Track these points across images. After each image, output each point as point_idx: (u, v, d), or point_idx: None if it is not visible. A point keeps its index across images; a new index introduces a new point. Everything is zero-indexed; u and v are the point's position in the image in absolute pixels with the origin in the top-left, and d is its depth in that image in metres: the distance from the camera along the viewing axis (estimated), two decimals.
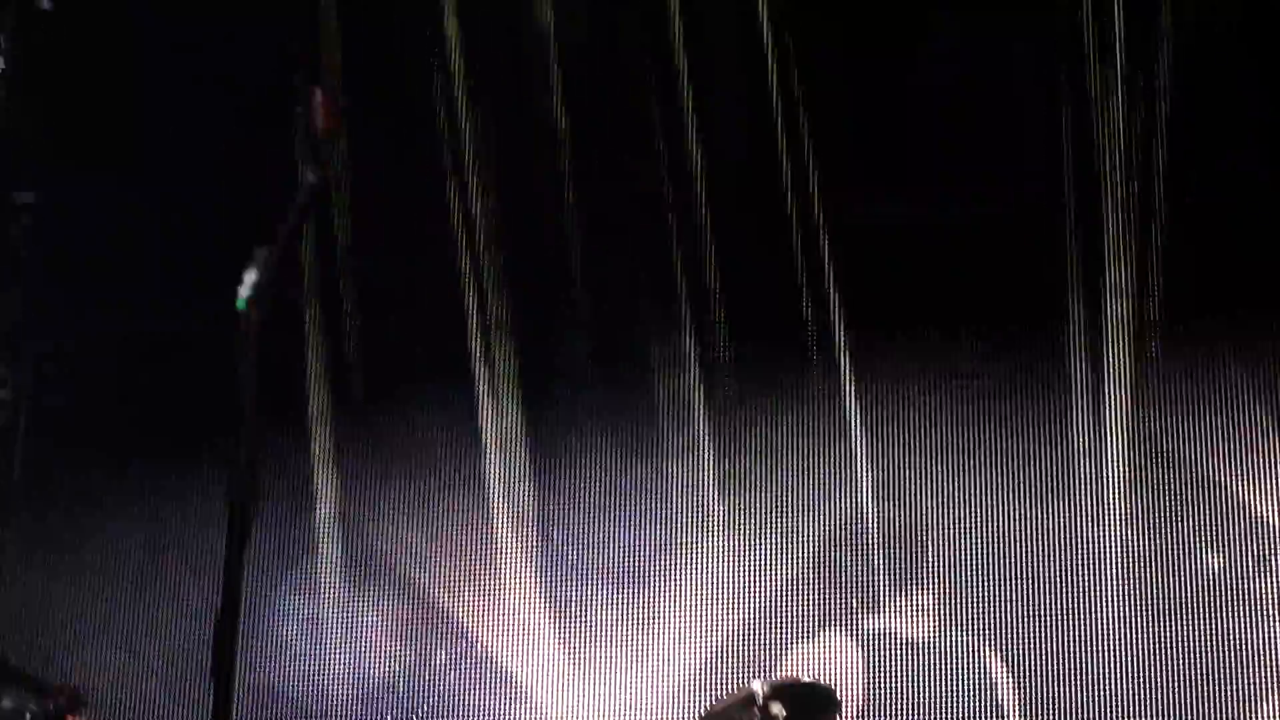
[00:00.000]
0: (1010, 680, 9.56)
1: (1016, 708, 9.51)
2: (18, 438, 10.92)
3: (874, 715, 9.57)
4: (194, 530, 10.61)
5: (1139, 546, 9.59)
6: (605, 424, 10.54)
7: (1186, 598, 9.44)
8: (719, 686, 9.58)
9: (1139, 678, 9.38)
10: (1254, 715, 9.16)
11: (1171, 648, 9.36)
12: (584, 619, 10.23)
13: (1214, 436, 9.66)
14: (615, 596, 10.23)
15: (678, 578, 10.17)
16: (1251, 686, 9.22)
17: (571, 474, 10.53)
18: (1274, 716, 9.12)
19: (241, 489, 4.49)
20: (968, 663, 9.62)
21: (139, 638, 10.62)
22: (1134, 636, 9.45)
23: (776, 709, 7.29)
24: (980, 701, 9.52)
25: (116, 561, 10.86)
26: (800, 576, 10.02)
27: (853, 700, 9.21)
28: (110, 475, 10.80)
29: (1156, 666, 9.37)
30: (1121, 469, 9.77)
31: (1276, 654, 9.25)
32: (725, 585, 10.09)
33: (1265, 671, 9.22)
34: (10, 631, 10.73)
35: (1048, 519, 9.81)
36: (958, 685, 9.54)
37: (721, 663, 9.89)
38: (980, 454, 9.96)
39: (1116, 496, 9.71)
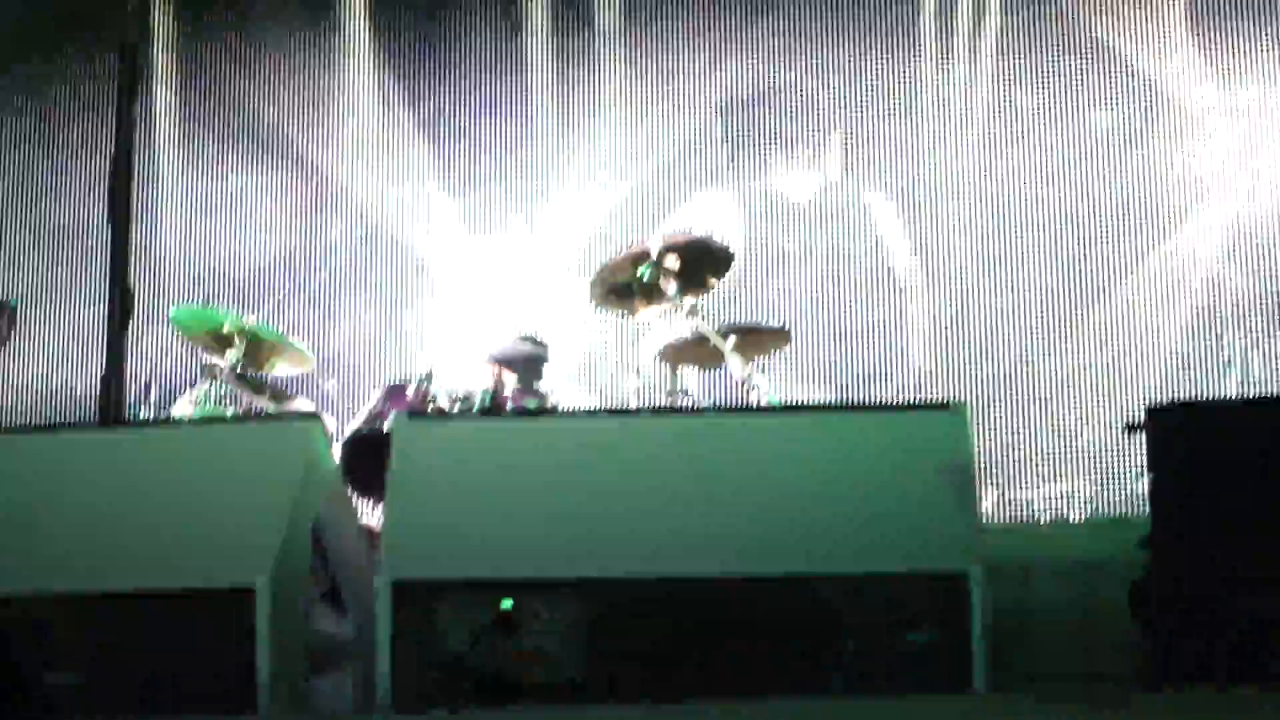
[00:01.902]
0: (902, 237, 9.73)
1: (911, 267, 9.70)
2: None
3: (763, 269, 9.77)
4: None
5: (1039, 101, 9.65)
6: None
7: (1088, 148, 9.55)
8: (612, 246, 9.70)
9: (1047, 213, 9.53)
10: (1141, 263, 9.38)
11: (1077, 194, 9.50)
12: (479, 189, 10.28)
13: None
14: (508, 162, 10.27)
15: (570, 146, 10.22)
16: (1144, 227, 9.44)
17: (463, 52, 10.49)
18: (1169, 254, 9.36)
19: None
20: (857, 220, 9.77)
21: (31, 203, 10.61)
22: (1039, 183, 9.58)
23: (670, 261, 7.44)
24: (870, 259, 9.69)
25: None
26: (688, 140, 10.08)
27: (743, 255, 9.39)
28: None
29: (1063, 207, 9.52)
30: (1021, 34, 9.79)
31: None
32: (617, 151, 10.15)
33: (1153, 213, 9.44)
34: None
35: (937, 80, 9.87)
36: (847, 242, 9.70)
37: (613, 224, 9.99)
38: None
39: (1011, 59, 9.75)
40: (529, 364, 8.11)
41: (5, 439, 4.31)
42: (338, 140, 10.44)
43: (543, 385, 7.94)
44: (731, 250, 7.82)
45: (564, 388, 9.15)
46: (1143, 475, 8.22)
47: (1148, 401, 8.89)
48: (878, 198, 9.78)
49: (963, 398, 9.09)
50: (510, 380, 7.72)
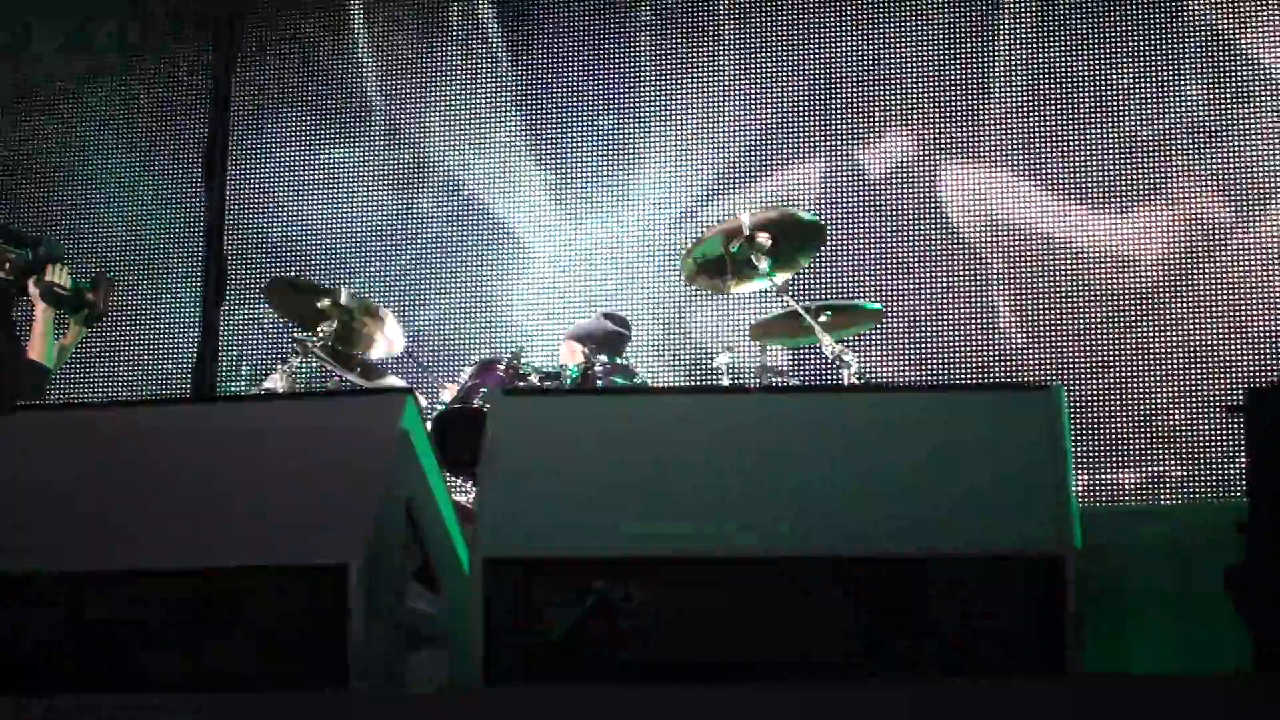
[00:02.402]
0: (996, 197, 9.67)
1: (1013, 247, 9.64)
2: None
3: (855, 247, 9.74)
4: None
5: (1145, 59, 9.55)
6: None
7: (1195, 109, 9.45)
8: (707, 216, 9.70)
9: (1138, 193, 9.46)
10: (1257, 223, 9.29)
11: (1180, 155, 9.41)
12: (571, 162, 10.29)
13: None
14: (599, 140, 10.27)
15: (662, 119, 10.21)
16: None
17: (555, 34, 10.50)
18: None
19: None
20: (966, 185, 9.71)
21: (124, 180, 10.70)
22: (1141, 143, 9.50)
23: (762, 237, 7.44)
24: (962, 238, 9.64)
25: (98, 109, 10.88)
26: (789, 108, 10.05)
27: (836, 232, 9.36)
28: None
29: (1166, 173, 9.43)
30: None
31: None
32: (707, 126, 10.14)
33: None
34: None
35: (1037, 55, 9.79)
36: (946, 218, 9.65)
37: (706, 201, 9.99)
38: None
39: (1098, 28, 9.66)
40: (609, 342, 8.12)
41: (100, 414, 4.33)
42: (429, 112, 10.48)
43: (630, 362, 7.95)
44: (822, 223, 7.81)
45: (655, 364, 9.16)
46: (1238, 458, 8.15)
47: (1242, 382, 8.84)
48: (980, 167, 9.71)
49: (1054, 378, 9.06)
50: (593, 357, 7.74)
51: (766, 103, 10.03)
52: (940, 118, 9.80)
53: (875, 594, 3.48)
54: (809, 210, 8.11)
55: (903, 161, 9.82)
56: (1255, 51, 9.42)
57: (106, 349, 10.25)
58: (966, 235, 9.63)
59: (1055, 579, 3.45)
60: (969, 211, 9.67)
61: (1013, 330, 9.49)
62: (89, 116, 10.84)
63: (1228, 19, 9.48)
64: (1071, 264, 9.45)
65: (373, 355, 8.15)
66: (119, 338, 10.27)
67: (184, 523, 3.62)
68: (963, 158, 9.73)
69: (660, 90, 10.20)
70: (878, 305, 8.28)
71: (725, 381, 7.83)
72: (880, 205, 9.75)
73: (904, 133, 9.83)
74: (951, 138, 9.77)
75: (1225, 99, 9.42)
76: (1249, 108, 9.40)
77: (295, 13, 10.68)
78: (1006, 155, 9.66)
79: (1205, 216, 9.36)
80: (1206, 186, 9.37)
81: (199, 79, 10.38)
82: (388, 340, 8.21)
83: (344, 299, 7.83)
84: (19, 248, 7.18)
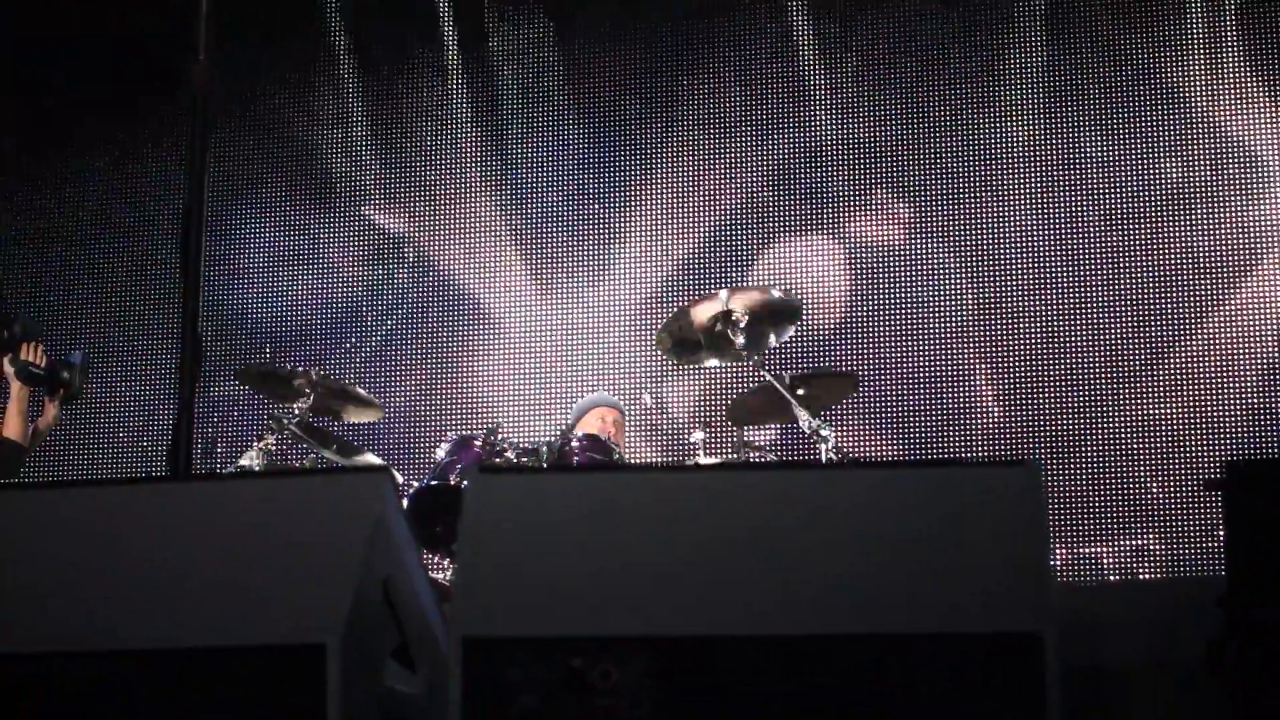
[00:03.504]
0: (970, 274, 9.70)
1: (977, 309, 9.66)
2: None
3: (831, 322, 9.76)
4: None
5: (1110, 154, 9.63)
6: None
7: (1156, 201, 9.52)
8: (683, 298, 9.71)
9: (1111, 271, 9.50)
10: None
11: (1144, 247, 9.47)
12: (546, 240, 10.31)
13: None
14: (575, 215, 10.30)
15: (637, 200, 10.24)
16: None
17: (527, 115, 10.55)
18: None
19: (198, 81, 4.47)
20: (935, 264, 9.74)
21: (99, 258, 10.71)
22: (1107, 235, 9.55)
23: (739, 313, 7.45)
24: (946, 300, 9.67)
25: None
26: (761, 190, 10.10)
27: (811, 307, 9.38)
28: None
29: (1131, 262, 9.48)
30: (1088, 82, 9.78)
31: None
32: (685, 202, 10.17)
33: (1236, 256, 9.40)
34: None
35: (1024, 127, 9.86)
36: (925, 286, 9.67)
37: (685, 276, 10.01)
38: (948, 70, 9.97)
39: (1084, 107, 9.73)
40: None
41: (73, 491, 4.31)
42: (405, 190, 10.50)
43: (607, 438, 7.95)
44: (800, 303, 7.82)
45: (631, 440, 9.16)
46: (1216, 532, 8.14)
47: (1216, 457, 8.84)
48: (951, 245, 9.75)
49: (1031, 452, 9.07)
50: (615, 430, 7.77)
51: (742, 182, 10.08)
52: (923, 193, 9.86)
53: (855, 672, 3.47)
54: (787, 289, 8.12)
55: (874, 242, 9.86)
56: (1224, 126, 9.50)
57: (82, 428, 10.21)
58: (943, 310, 9.66)
59: (1035, 656, 3.44)
60: (941, 290, 9.70)
61: (989, 406, 9.50)
62: (65, 197, 10.84)
63: (1198, 93, 9.56)
64: (1047, 336, 9.47)
65: (346, 433, 8.14)
66: (94, 416, 10.23)
67: (160, 602, 3.59)
68: (936, 238, 9.78)
69: (635, 171, 10.24)
70: (852, 373, 8.30)
71: (701, 457, 7.83)
72: (853, 284, 9.78)
73: (876, 215, 9.88)
74: (931, 214, 9.82)
75: (1203, 176, 9.50)
76: (1222, 183, 9.47)
77: (272, 91, 10.71)
78: (982, 230, 9.71)
79: (1182, 290, 9.42)
80: (1184, 260, 9.43)
81: (174, 158, 10.39)
82: (365, 415, 8.21)
83: (318, 376, 7.83)
84: None
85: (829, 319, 9.71)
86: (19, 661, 3.55)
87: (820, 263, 9.88)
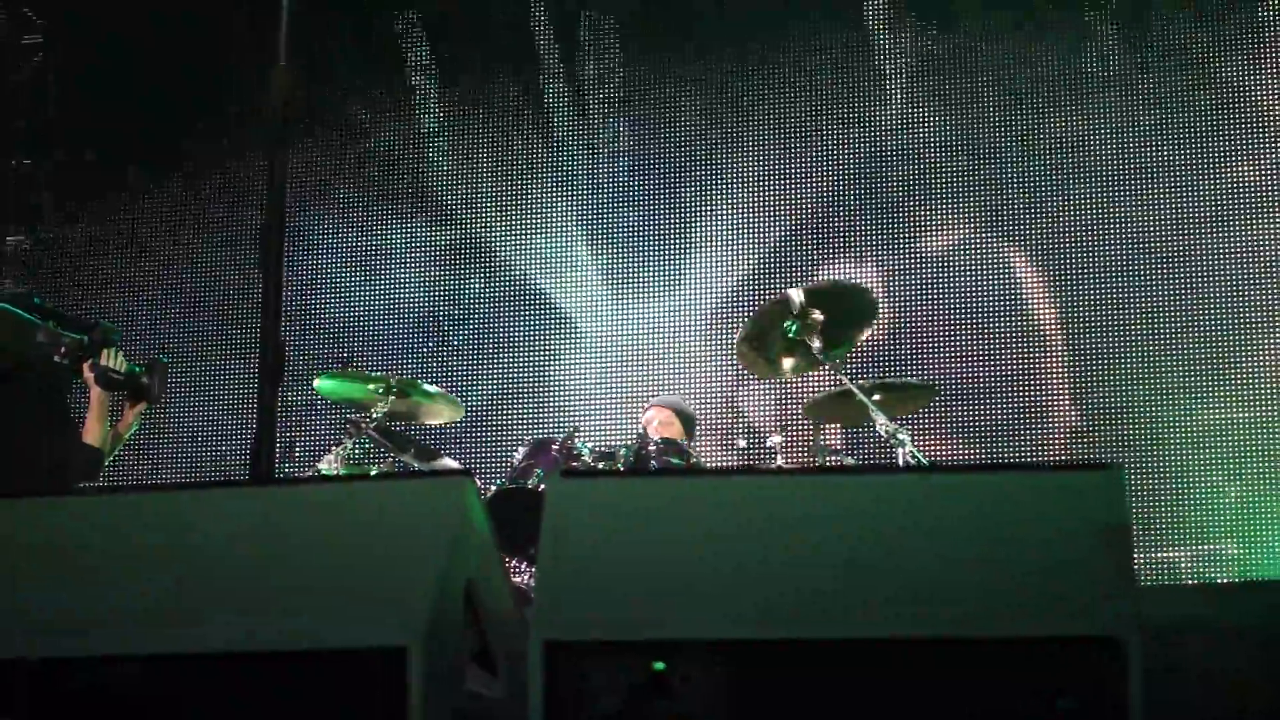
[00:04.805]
0: (1039, 281, 9.65)
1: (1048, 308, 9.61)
2: None
3: (908, 326, 9.73)
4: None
5: (1167, 157, 9.58)
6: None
7: (1214, 204, 9.46)
8: (754, 301, 9.70)
9: (1168, 276, 9.45)
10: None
11: (1201, 250, 9.41)
12: (620, 247, 10.32)
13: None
14: (649, 223, 10.31)
15: (708, 207, 10.25)
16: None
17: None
18: None
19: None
20: (1001, 273, 9.70)
21: (176, 268, 10.79)
22: (1163, 238, 9.50)
23: (815, 314, 7.43)
24: (1007, 301, 9.63)
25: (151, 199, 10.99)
26: (828, 199, 10.10)
27: (888, 311, 9.36)
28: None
29: (1187, 268, 9.43)
30: (1149, 80, 9.73)
31: None
32: (753, 209, 10.17)
33: None
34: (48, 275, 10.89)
35: (1082, 131, 9.81)
36: (994, 293, 9.64)
37: (755, 283, 10.01)
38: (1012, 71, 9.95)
39: (1144, 108, 9.68)
40: (691, 421, 8.17)
41: (154, 495, 4.34)
42: (484, 195, 10.54)
43: (684, 442, 7.95)
44: (876, 300, 7.80)
45: (708, 445, 9.15)
46: None
47: None
48: (1019, 253, 9.71)
49: (1107, 455, 9.02)
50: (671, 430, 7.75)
51: (809, 192, 10.07)
52: (995, 197, 9.83)
53: (936, 677, 3.45)
54: (857, 283, 8.11)
55: (939, 251, 9.83)
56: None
57: (161, 433, 10.29)
58: (1019, 314, 9.62)
59: (1116, 662, 3.42)
60: (1019, 289, 9.66)
61: (1066, 412, 9.45)
62: (144, 205, 10.94)
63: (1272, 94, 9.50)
64: (1124, 339, 9.42)
65: (426, 437, 8.17)
66: (173, 421, 10.31)
67: (242, 606, 3.61)
68: (1014, 237, 9.74)
69: (711, 175, 10.24)
70: (931, 383, 8.26)
71: (779, 462, 7.81)
72: (935, 284, 9.76)
73: (941, 223, 9.87)
74: (1004, 217, 9.79)
75: (1252, 201, 9.47)
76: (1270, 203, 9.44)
77: (351, 98, 10.77)
78: (1061, 233, 9.67)
79: (1260, 291, 9.35)
80: (1262, 260, 9.37)
81: (254, 162, 10.46)
82: (446, 416, 8.24)
83: (396, 382, 7.86)
84: (75, 333, 7.21)
85: (906, 323, 9.69)
86: (100, 664, 3.58)
87: (886, 271, 9.87)
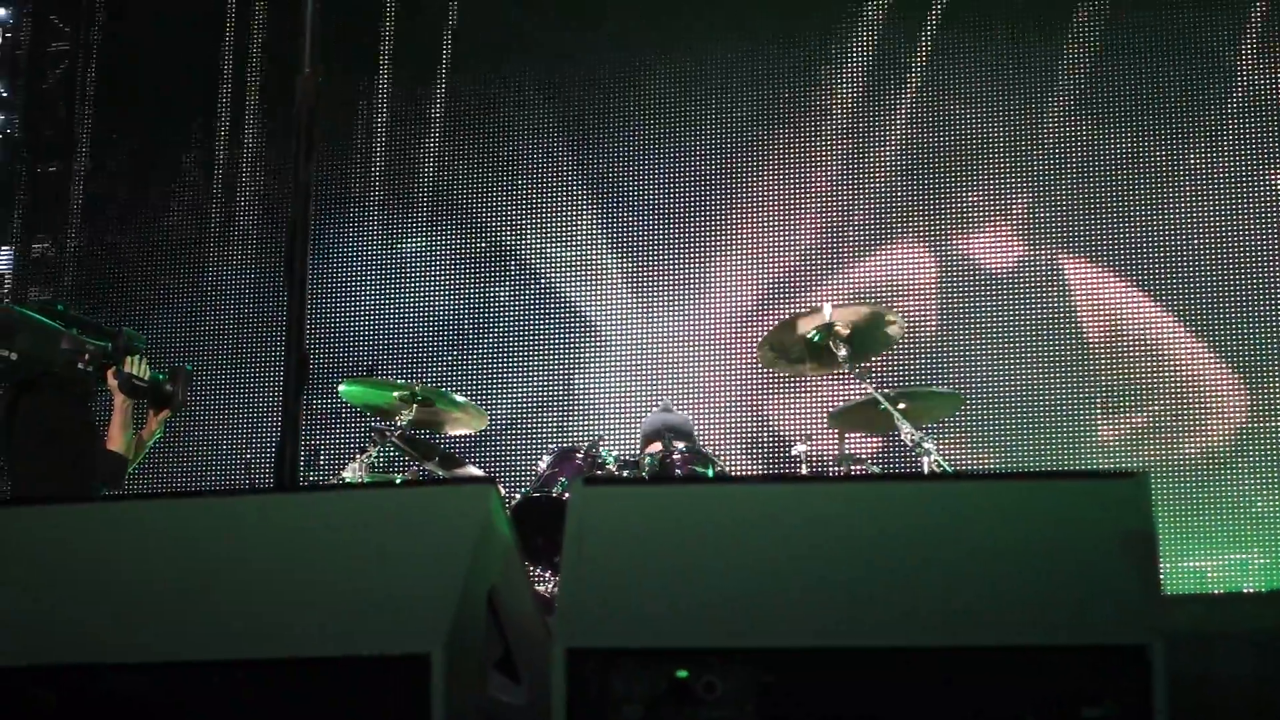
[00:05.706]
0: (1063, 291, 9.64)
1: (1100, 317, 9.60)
2: None
3: (934, 333, 9.72)
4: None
5: (1221, 164, 9.56)
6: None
7: (1267, 212, 9.44)
8: (777, 314, 9.69)
9: (1222, 282, 9.42)
10: None
11: (1255, 260, 9.39)
12: (646, 257, 10.32)
13: None
14: (674, 232, 10.31)
15: (735, 216, 10.25)
16: None
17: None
18: None
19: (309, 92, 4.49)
20: (1022, 278, 9.68)
21: (201, 276, 10.81)
22: (1217, 246, 9.48)
23: (841, 324, 7.42)
24: (1031, 311, 9.60)
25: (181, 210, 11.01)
26: (846, 210, 10.10)
27: (914, 318, 9.34)
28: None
29: (1239, 276, 9.40)
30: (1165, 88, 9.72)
31: None
32: (787, 210, 10.17)
33: None
34: (73, 282, 10.91)
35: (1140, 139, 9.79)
36: (1010, 300, 9.62)
37: (786, 284, 10.00)
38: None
39: (1158, 117, 9.66)
40: (686, 430, 8.12)
41: (180, 503, 4.34)
42: (507, 202, 10.55)
43: (708, 450, 7.93)
44: (902, 317, 7.78)
45: (733, 453, 9.13)
46: None
47: None
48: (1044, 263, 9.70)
49: (1132, 464, 9.00)
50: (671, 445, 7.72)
51: (827, 203, 10.07)
52: (1036, 204, 9.82)
53: (961, 686, 3.44)
54: (889, 308, 8.12)
55: (979, 252, 9.82)
56: None
57: (185, 440, 10.31)
58: (1048, 322, 9.61)
59: (1141, 671, 3.40)
60: (1052, 297, 9.65)
61: (1094, 421, 9.44)
62: (169, 211, 10.96)
63: None
64: (1151, 349, 9.40)
65: (449, 445, 8.16)
66: (197, 428, 10.32)
67: (265, 613, 3.61)
68: (1051, 244, 9.74)
69: (727, 194, 10.25)
70: (957, 392, 8.24)
71: (803, 470, 7.80)
72: (963, 291, 9.75)
73: (984, 225, 9.85)
74: (1041, 224, 9.79)
75: None
76: None
77: (375, 105, 10.78)
78: (1093, 242, 9.66)
79: None
80: None
81: (278, 171, 10.49)
82: (470, 425, 8.24)
83: (421, 390, 7.86)
84: (99, 339, 7.22)
85: (933, 330, 9.68)
86: (125, 671, 3.58)
87: (905, 280, 9.86)
